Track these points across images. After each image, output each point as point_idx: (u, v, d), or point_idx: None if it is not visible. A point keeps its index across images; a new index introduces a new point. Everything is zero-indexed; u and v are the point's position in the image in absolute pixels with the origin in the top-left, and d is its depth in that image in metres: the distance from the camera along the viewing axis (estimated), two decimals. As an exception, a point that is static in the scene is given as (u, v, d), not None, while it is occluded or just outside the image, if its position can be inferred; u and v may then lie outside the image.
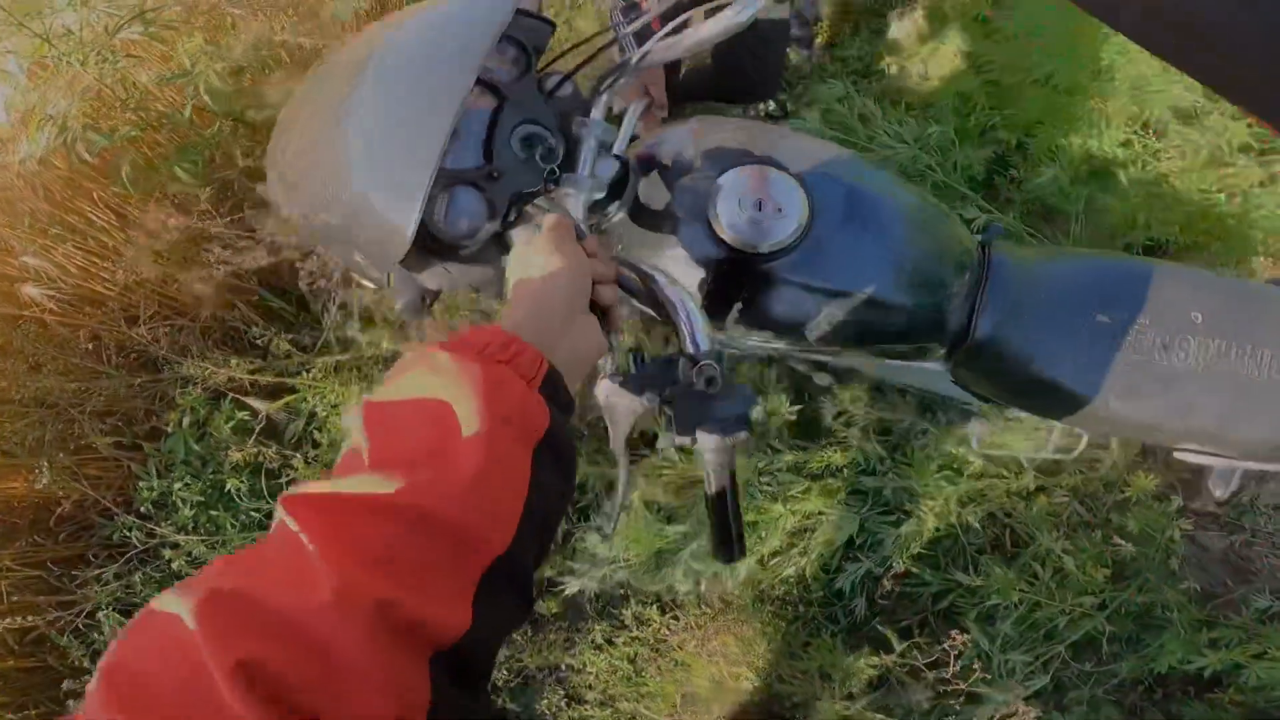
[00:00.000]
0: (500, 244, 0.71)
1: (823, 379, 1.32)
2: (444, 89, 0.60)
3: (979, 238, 0.91)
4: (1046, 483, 1.23)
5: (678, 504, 1.41)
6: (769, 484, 1.35)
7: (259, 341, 1.68)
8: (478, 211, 0.66)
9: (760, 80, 1.57)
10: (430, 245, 0.67)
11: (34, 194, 1.56)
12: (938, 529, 1.28)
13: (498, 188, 0.68)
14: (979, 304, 0.88)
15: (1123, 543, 1.20)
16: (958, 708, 1.24)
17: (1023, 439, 1.17)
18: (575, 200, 0.68)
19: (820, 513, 1.33)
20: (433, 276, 0.76)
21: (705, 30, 0.68)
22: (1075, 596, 1.22)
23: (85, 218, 1.62)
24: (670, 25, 0.69)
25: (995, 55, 1.62)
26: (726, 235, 0.74)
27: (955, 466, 1.26)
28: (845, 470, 1.33)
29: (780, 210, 0.73)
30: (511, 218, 0.69)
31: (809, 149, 0.84)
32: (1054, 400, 0.91)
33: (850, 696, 1.27)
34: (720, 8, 0.68)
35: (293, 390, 1.68)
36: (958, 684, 1.23)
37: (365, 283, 0.82)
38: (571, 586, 1.39)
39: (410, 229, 0.60)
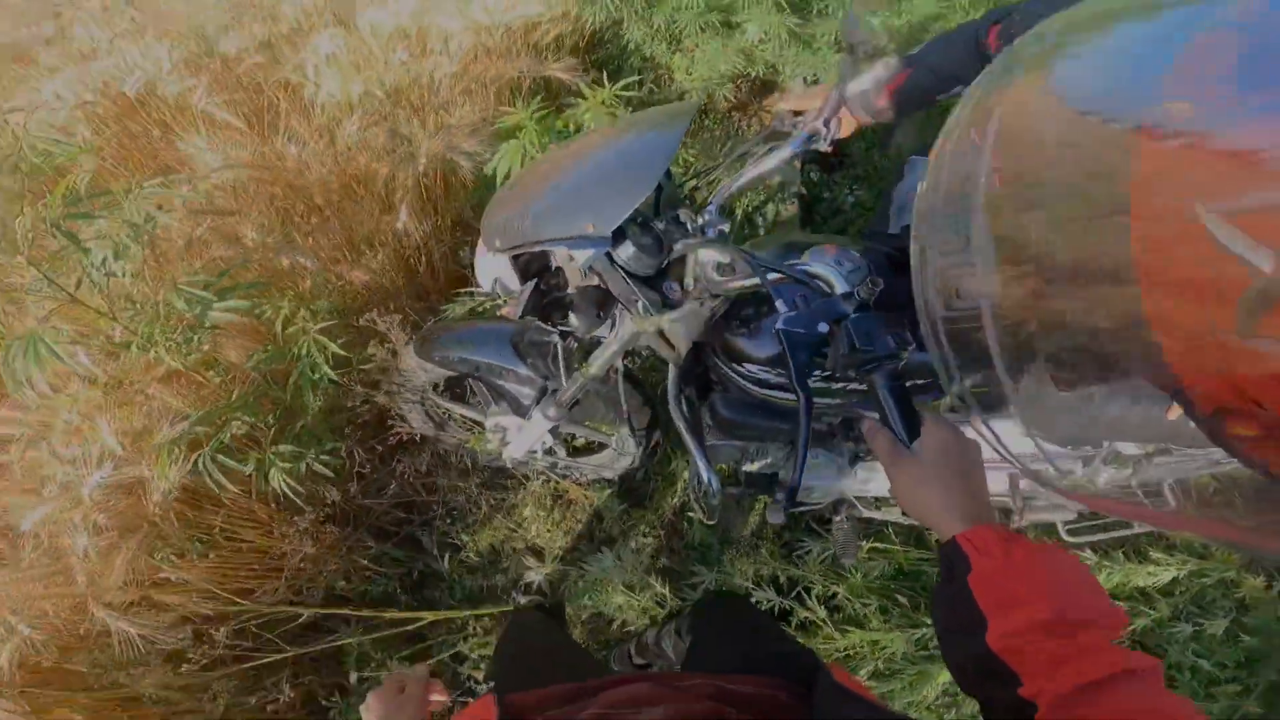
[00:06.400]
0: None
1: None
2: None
3: None
4: (1177, 605, 1.40)
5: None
6: (922, 652, 1.51)
7: (403, 600, 1.85)
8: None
9: None
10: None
11: (168, 522, 1.44)
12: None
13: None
14: None
15: (1245, 636, 1.37)
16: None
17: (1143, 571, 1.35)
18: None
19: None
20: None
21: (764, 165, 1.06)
22: (1213, 687, 1.38)
23: (222, 531, 1.60)
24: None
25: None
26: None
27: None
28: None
29: None
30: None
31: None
32: None
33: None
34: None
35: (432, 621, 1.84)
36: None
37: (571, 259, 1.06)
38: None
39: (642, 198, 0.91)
